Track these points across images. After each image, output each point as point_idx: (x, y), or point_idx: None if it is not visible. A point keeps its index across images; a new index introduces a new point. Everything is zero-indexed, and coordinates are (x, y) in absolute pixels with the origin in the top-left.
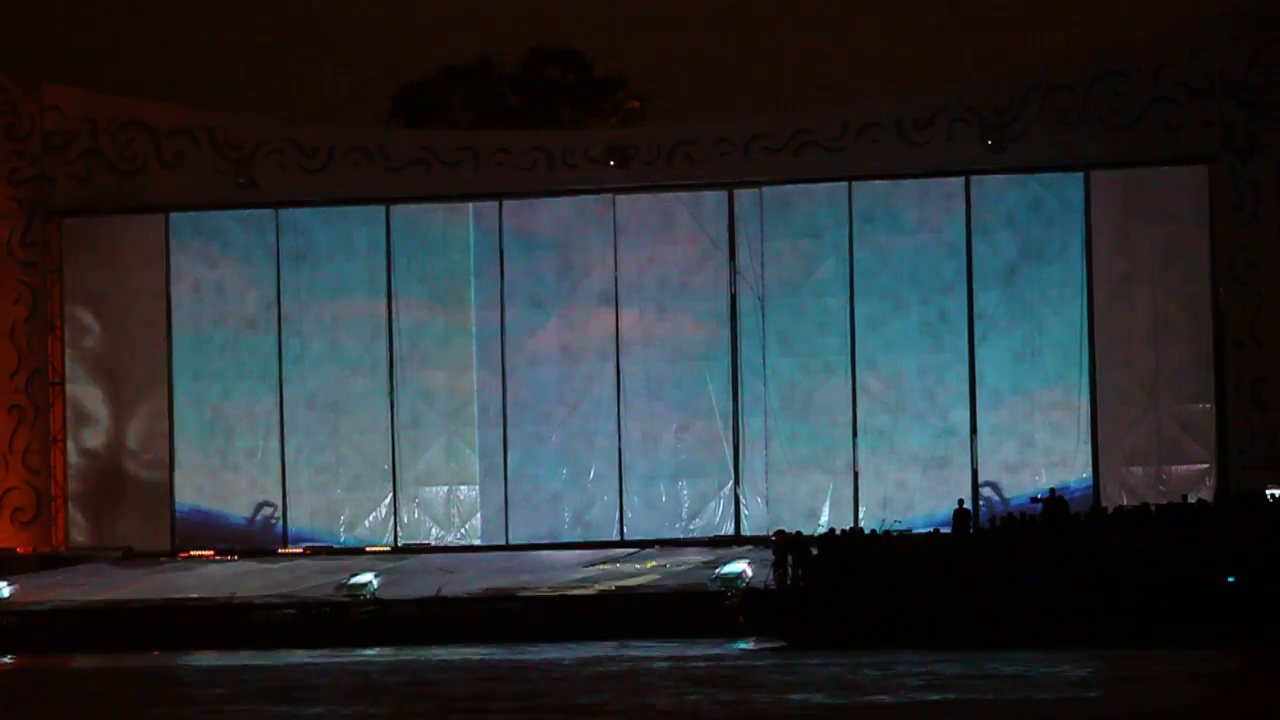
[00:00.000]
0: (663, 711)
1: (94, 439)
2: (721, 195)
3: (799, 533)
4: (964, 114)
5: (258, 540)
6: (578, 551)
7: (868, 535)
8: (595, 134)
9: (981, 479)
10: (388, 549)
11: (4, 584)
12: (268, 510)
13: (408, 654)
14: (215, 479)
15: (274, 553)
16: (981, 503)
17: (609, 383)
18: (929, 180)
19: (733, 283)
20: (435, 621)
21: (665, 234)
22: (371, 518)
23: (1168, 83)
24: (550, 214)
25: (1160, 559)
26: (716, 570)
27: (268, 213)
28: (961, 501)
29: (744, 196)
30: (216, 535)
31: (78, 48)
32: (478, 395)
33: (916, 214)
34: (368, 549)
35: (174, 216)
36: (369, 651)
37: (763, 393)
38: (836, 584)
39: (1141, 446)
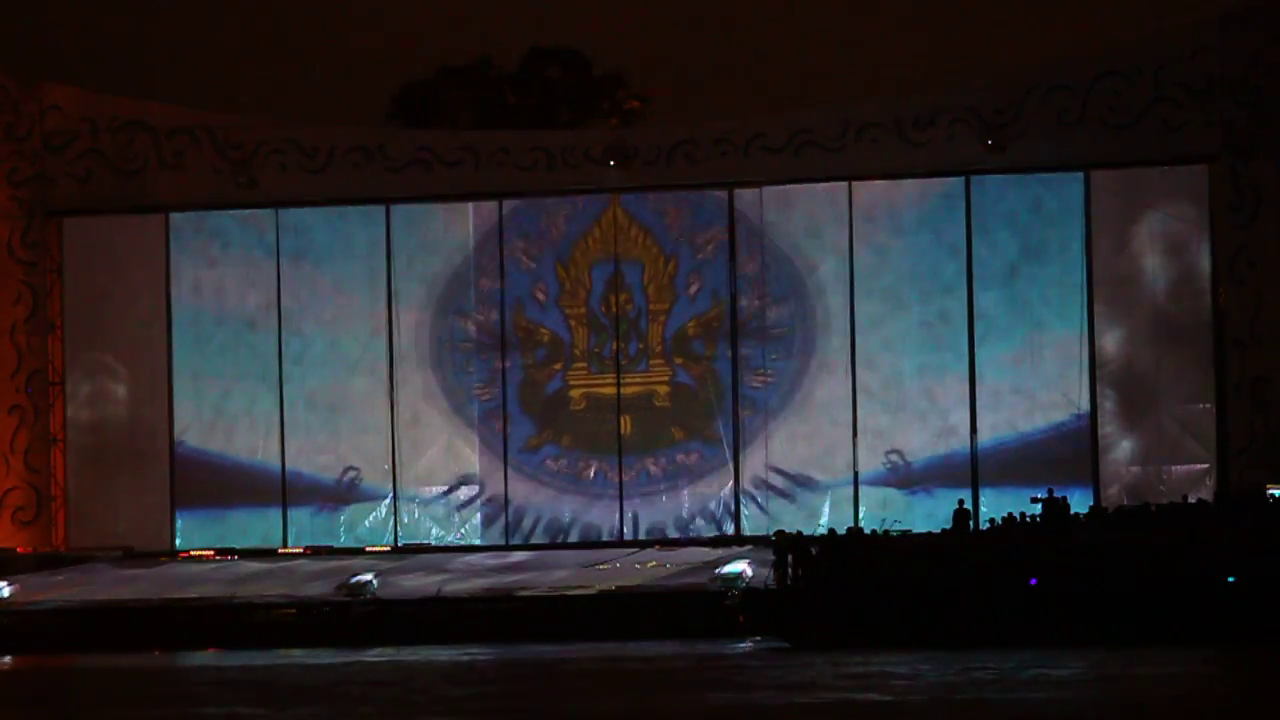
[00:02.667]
0: (661, 712)
1: (93, 439)
2: (721, 195)
3: (799, 533)
4: (964, 114)
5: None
6: (577, 552)
7: (867, 535)
8: (595, 134)
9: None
10: (388, 549)
11: (4, 584)
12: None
13: (408, 654)
14: (215, 478)
15: (274, 552)
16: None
17: (609, 382)
18: (929, 180)
19: (732, 283)
20: (435, 621)
21: (665, 234)
22: (371, 518)
23: (1168, 83)
24: (550, 214)
25: (1160, 559)
26: (716, 570)
27: (268, 213)
28: (961, 501)
29: (744, 196)
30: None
31: (78, 48)
32: (477, 395)
33: (916, 214)
34: (368, 549)
35: (174, 216)
36: (372, 652)
37: (763, 393)
38: (836, 584)
39: (1142, 446)
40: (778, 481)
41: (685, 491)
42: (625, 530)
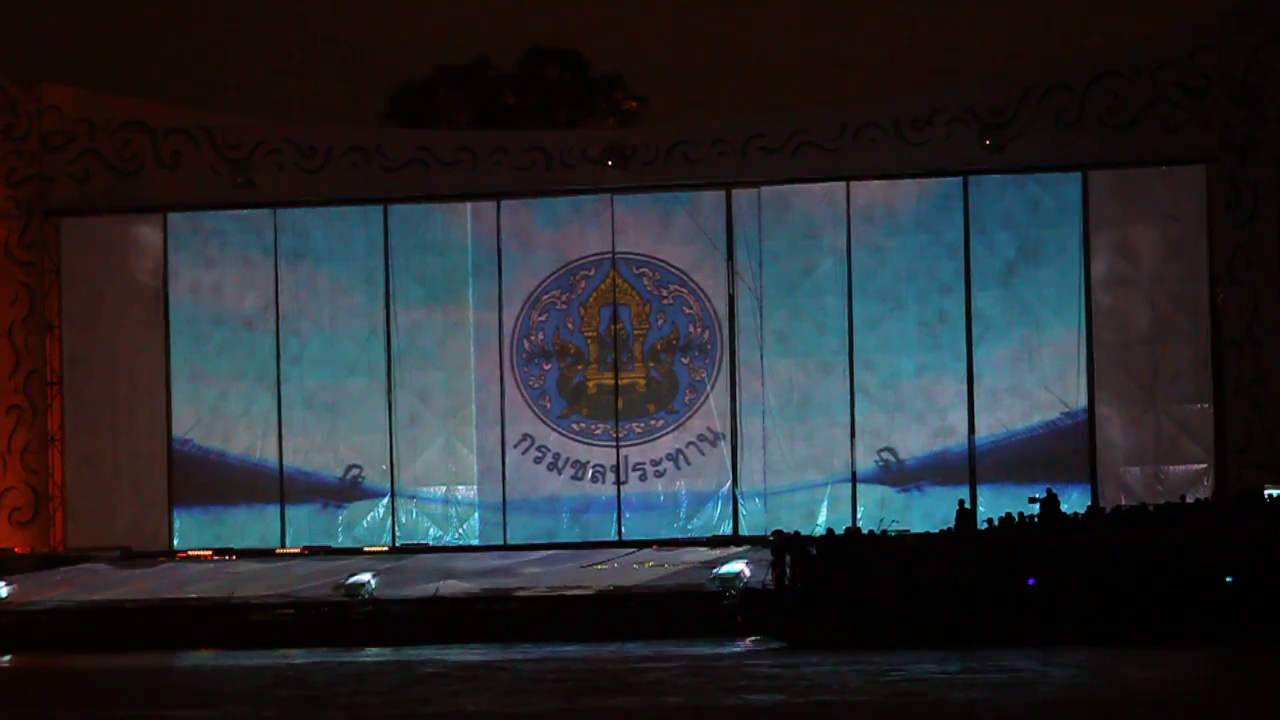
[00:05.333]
0: (661, 712)
1: (92, 439)
2: (719, 195)
3: (797, 533)
4: (962, 114)
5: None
6: (576, 552)
7: (866, 535)
8: (593, 134)
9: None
10: (386, 549)
11: (3, 584)
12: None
13: (408, 654)
14: (213, 478)
15: (272, 553)
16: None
17: (610, 377)
18: (927, 180)
19: (730, 283)
20: (434, 621)
21: (663, 234)
22: (370, 518)
23: (1166, 83)
24: (548, 214)
25: (1158, 559)
26: (715, 570)
27: (266, 213)
28: (962, 502)
29: (742, 196)
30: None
31: (77, 48)
32: (475, 395)
33: (914, 214)
34: (366, 549)
35: (172, 216)
36: (369, 652)
37: (761, 393)
38: (835, 584)
39: (1139, 447)
40: (776, 481)
41: (684, 491)
42: (623, 530)
